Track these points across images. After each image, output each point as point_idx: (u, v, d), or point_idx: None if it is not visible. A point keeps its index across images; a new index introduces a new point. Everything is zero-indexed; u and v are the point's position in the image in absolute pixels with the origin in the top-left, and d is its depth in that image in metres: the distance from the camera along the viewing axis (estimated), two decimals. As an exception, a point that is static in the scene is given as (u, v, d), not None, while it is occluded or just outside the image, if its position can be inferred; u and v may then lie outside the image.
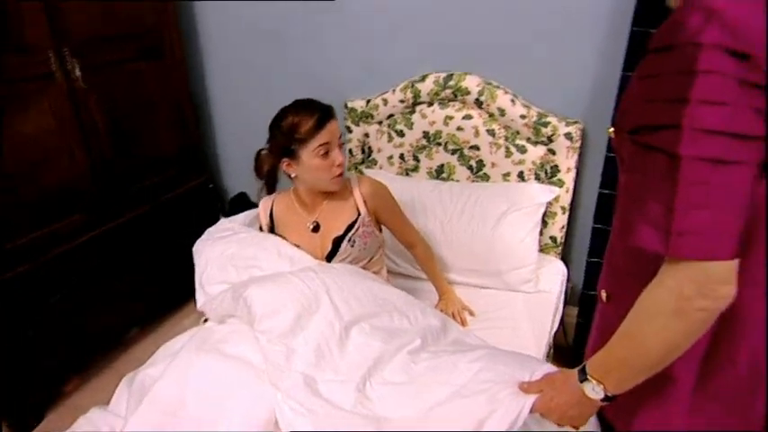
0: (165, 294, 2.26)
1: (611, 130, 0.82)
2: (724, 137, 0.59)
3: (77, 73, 1.74)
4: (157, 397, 1.08)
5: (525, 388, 0.94)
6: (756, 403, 0.78)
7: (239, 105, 2.37)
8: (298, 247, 1.41)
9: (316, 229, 1.44)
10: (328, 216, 1.44)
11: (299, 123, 1.30)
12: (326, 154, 1.32)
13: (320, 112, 1.32)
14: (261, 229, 1.55)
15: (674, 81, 0.61)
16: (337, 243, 1.42)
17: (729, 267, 0.64)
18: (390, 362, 1.12)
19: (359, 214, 1.44)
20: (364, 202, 1.44)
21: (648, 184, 0.66)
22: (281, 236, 1.46)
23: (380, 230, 1.53)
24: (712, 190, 0.61)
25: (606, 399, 0.80)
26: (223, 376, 1.10)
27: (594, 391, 0.80)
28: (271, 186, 1.47)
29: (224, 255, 1.40)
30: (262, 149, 1.43)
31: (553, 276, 1.80)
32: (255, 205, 1.58)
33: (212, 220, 1.67)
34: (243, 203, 2.39)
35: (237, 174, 2.52)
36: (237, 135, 2.44)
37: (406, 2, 1.87)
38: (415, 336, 1.20)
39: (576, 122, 1.75)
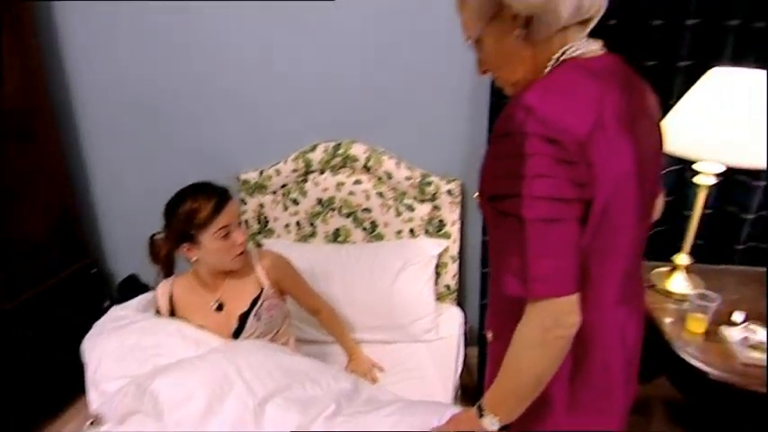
0: (35, 404, 1.98)
1: (476, 195, 0.98)
2: (551, 201, 0.77)
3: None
4: None
5: None
6: (614, 402, 0.95)
7: (124, 183, 2.28)
8: (202, 328, 1.39)
9: (220, 308, 1.43)
10: (231, 293, 1.44)
11: (197, 209, 1.31)
12: (227, 236, 1.34)
13: (218, 196, 1.34)
14: (158, 313, 1.49)
15: (513, 161, 0.79)
16: (243, 319, 1.42)
17: (573, 300, 0.80)
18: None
19: (262, 288, 1.46)
20: (266, 274, 1.47)
21: (507, 241, 0.82)
22: (183, 319, 1.42)
23: (285, 301, 1.55)
24: (550, 243, 0.79)
25: (502, 428, 0.91)
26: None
27: (492, 424, 0.91)
28: (168, 270, 1.44)
29: (123, 346, 1.33)
30: (155, 234, 1.40)
31: (452, 322, 1.93)
32: (148, 288, 1.52)
33: (98, 309, 1.54)
34: (134, 287, 2.26)
35: (125, 256, 2.39)
36: (124, 215, 2.33)
37: (292, 76, 1.99)
38: (329, 402, 1.22)
39: (455, 180, 1.96)
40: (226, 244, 1.34)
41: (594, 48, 0.87)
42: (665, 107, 1.71)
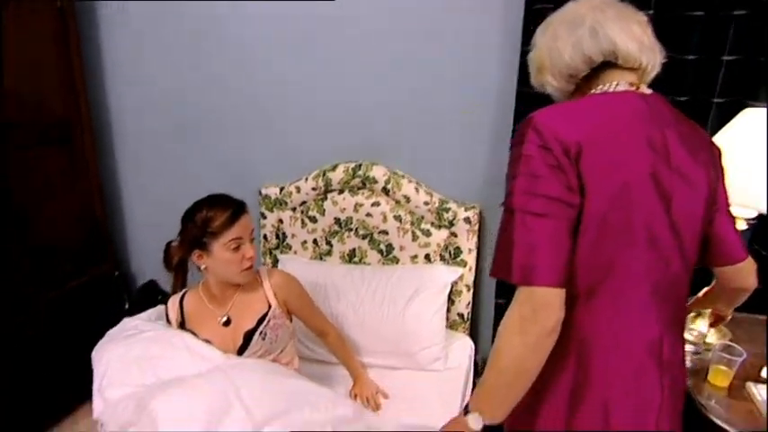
0: (51, 399, 2.03)
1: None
2: (539, 197, 0.84)
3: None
4: None
5: None
6: (614, 416, 0.91)
7: (150, 190, 2.35)
8: (208, 342, 1.39)
9: (227, 323, 1.44)
10: (239, 310, 1.45)
11: (212, 217, 1.34)
12: (237, 248, 1.35)
13: (234, 207, 1.36)
14: (169, 323, 1.50)
15: (514, 164, 0.88)
16: (248, 337, 1.42)
17: (552, 294, 0.83)
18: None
19: (270, 306, 1.46)
20: (274, 294, 1.47)
21: (505, 233, 0.88)
22: (191, 331, 1.43)
23: (291, 320, 1.55)
24: (534, 234, 0.84)
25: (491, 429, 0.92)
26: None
27: (476, 421, 0.90)
28: (180, 277, 1.46)
29: (128, 355, 1.35)
30: (171, 241, 1.43)
31: (461, 352, 1.89)
32: (165, 293, 1.54)
33: (118, 311, 1.57)
34: (152, 292, 2.31)
35: (147, 261, 2.45)
36: (148, 220, 2.39)
37: (317, 95, 2.02)
38: (327, 427, 1.21)
39: (473, 207, 1.93)
40: (235, 256, 1.35)
41: (623, 87, 0.94)
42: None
